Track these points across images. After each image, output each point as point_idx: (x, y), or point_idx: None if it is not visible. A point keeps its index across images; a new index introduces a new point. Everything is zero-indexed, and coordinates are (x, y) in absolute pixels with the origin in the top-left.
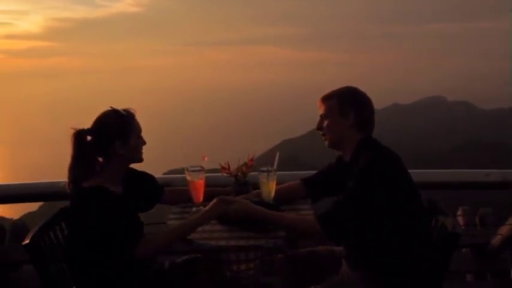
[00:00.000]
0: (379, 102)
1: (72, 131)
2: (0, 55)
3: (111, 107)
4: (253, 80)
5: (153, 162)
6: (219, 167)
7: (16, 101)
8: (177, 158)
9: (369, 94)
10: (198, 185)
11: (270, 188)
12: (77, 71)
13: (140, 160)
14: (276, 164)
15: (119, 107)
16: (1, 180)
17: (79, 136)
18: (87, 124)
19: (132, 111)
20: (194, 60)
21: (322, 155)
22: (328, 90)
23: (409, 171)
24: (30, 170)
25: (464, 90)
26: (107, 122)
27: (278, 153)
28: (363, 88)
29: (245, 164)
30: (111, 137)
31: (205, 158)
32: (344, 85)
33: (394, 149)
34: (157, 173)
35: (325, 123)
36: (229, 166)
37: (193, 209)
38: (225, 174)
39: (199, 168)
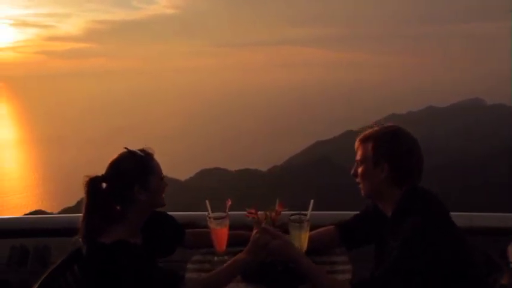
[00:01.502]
0: (414, 105)
1: (85, 179)
2: (43, 56)
3: (125, 148)
4: (288, 80)
5: (187, 162)
6: (251, 167)
7: (57, 100)
8: (210, 158)
9: (403, 96)
10: (222, 233)
11: (302, 240)
12: (115, 72)
13: (162, 205)
14: (309, 213)
15: (157, 107)
16: (36, 180)
17: (93, 184)
18: (127, 123)
19: (150, 151)
20: (229, 61)
21: None
22: (362, 91)
23: (457, 213)
24: (67, 170)
25: (504, 93)
26: (123, 166)
27: (312, 201)
28: (398, 89)
29: (273, 209)
30: (129, 182)
31: (229, 202)
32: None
33: (430, 154)
34: (190, 172)
35: (360, 170)
36: (256, 210)
37: (215, 258)
38: (250, 219)
39: (222, 215)
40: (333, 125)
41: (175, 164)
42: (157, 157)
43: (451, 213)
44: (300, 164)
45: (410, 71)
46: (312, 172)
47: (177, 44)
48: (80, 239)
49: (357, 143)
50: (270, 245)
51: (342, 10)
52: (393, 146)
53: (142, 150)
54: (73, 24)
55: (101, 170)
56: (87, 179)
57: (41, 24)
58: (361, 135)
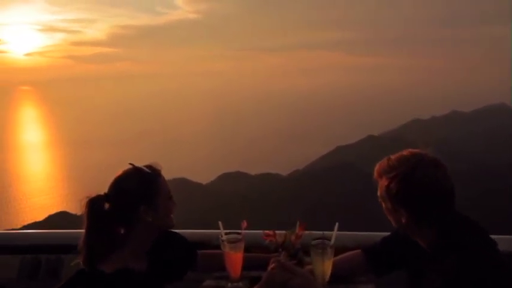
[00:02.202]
0: (437, 109)
1: (85, 200)
2: (70, 61)
3: (130, 164)
4: (309, 84)
5: (208, 165)
6: (272, 171)
7: (83, 104)
8: (231, 162)
9: (426, 100)
10: (236, 258)
11: (325, 268)
12: (140, 76)
13: (171, 226)
14: (333, 238)
15: (180, 111)
16: (61, 181)
17: (94, 205)
18: (150, 127)
19: (157, 167)
20: (251, 65)
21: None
22: (384, 95)
23: (503, 237)
24: (93, 172)
25: None
26: (128, 184)
27: (337, 224)
28: (421, 93)
29: (293, 232)
30: (134, 202)
31: (245, 224)
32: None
33: (452, 159)
34: (211, 175)
35: (383, 205)
36: (274, 233)
37: (229, 284)
38: (268, 242)
39: (237, 238)
40: (354, 130)
41: (197, 168)
42: (180, 160)
43: (503, 237)
44: (320, 169)
45: (433, 75)
46: (332, 177)
47: (200, 48)
48: (81, 262)
49: (375, 174)
50: (288, 284)
51: (362, 13)
52: (408, 190)
53: (148, 167)
54: (99, 29)
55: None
56: (88, 199)
57: (68, 30)
58: (377, 167)
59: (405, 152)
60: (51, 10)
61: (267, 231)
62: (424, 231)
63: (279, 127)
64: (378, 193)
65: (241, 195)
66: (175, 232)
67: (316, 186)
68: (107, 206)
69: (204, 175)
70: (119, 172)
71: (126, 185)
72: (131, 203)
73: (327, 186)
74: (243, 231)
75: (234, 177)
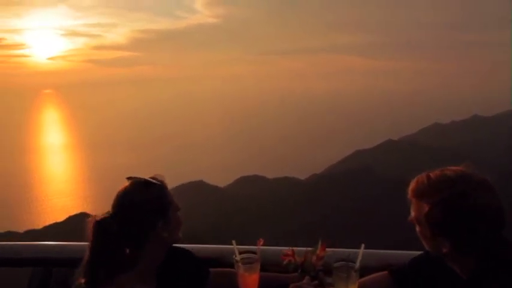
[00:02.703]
0: (458, 114)
1: (92, 221)
2: (91, 64)
3: (132, 177)
4: (328, 88)
5: (226, 169)
6: (289, 175)
7: (104, 107)
8: (249, 165)
9: (447, 104)
10: (251, 280)
11: None
12: (160, 80)
13: (178, 241)
14: (358, 261)
15: (200, 114)
16: (82, 183)
17: (102, 226)
18: (170, 130)
19: (161, 178)
20: (269, 69)
21: (399, 167)
22: (404, 99)
23: None
24: (112, 175)
25: None
26: (140, 199)
27: (363, 245)
28: (441, 97)
29: (314, 252)
30: (150, 218)
31: (261, 242)
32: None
33: (475, 167)
34: (229, 179)
35: (416, 228)
36: (293, 252)
37: None
38: (287, 262)
39: (252, 258)
40: (373, 134)
41: (214, 171)
42: (198, 163)
43: None
44: (339, 173)
45: (453, 79)
46: (351, 181)
47: (219, 52)
48: (83, 284)
49: (410, 193)
50: None
51: (382, 17)
52: (455, 220)
53: (154, 178)
54: (119, 34)
55: (145, 174)
56: (95, 221)
57: (89, 34)
58: (413, 185)
59: (448, 171)
60: (73, 15)
61: (285, 250)
62: (465, 258)
63: (297, 131)
64: (413, 214)
65: (258, 198)
66: (181, 247)
67: (334, 190)
68: (115, 225)
69: (221, 178)
70: (124, 186)
71: (138, 200)
72: (147, 220)
73: (345, 191)
74: (259, 247)
75: (251, 180)
